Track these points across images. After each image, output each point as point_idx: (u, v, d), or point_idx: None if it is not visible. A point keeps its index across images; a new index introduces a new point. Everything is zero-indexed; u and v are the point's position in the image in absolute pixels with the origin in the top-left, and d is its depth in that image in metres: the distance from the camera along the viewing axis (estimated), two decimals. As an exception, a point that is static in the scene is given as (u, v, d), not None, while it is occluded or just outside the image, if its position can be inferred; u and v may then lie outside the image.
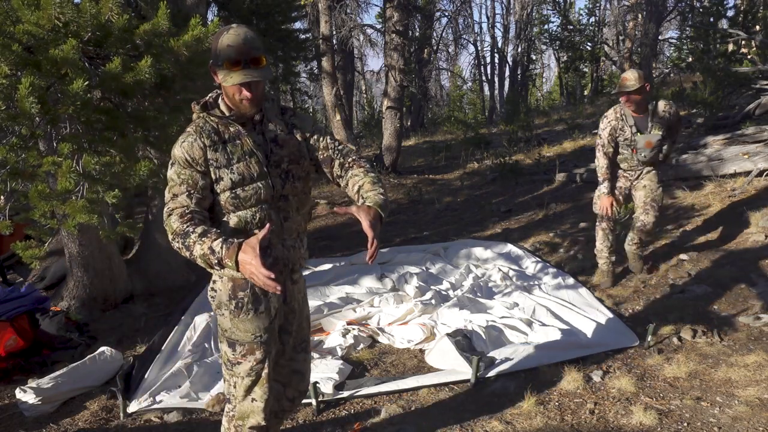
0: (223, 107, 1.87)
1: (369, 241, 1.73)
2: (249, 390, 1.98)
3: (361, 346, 3.63)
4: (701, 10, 12.19)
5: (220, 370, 3.24)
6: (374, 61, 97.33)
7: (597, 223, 4.45)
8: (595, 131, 11.78)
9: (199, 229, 1.69)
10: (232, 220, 1.86)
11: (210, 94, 1.92)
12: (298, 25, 10.72)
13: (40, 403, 3.00)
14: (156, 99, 3.50)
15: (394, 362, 3.42)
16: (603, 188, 4.28)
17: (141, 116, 3.36)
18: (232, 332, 1.93)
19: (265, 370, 1.97)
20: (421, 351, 3.53)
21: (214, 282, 1.95)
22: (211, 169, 1.81)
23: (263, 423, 2.01)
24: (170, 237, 1.74)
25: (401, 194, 8.99)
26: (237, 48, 1.74)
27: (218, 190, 1.83)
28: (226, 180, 1.82)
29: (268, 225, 1.63)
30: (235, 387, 1.98)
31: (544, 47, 24.77)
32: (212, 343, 3.70)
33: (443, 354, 3.30)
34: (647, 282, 4.40)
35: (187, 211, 1.75)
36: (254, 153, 1.86)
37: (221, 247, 1.62)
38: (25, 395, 3.00)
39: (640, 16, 15.63)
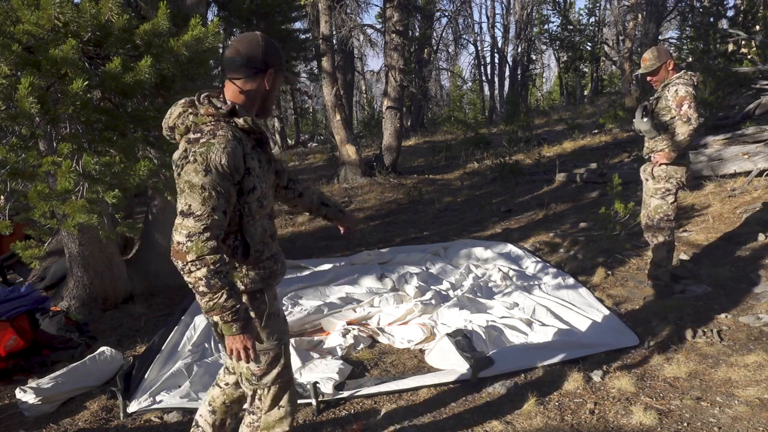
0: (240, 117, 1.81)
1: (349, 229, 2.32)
2: (277, 398, 1.98)
3: (361, 346, 3.63)
4: (701, 10, 12.19)
5: (221, 370, 3.25)
6: (374, 61, 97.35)
7: None
8: (596, 131, 11.82)
9: (230, 278, 1.69)
10: (258, 229, 1.86)
11: (221, 104, 1.78)
12: (298, 25, 10.72)
13: (40, 403, 3.00)
14: (156, 99, 3.50)
15: (394, 362, 3.42)
16: None
17: (141, 116, 3.36)
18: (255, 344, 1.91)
19: (290, 374, 2.01)
20: (421, 351, 3.53)
21: None
22: (249, 178, 1.76)
23: (288, 429, 2.01)
24: (192, 257, 1.62)
25: (401, 194, 8.99)
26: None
27: (249, 200, 1.79)
28: (258, 189, 1.80)
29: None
30: (260, 399, 1.97)
31: (544, 47, 24.78)
32: (212, 343, 3.70)
33: (443, 354, 3.30)
34: (647, 282, 4.39)
35: (219, 238, 1.67)
36: (271, 161, 1.90)
37: (240, 314, 1.70)
38: (25, 395, 3.00)
39: (640, 16, 15.62)
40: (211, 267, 1.62)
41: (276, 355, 1.94)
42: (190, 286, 1.66)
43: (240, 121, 1.77)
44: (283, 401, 1.99)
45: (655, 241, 4.01)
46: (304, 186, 2.25)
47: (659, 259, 4.04)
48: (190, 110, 1.79)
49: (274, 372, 1.95)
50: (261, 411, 1.98)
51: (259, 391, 1.96)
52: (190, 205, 1.65)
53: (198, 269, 1.62)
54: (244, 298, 1.88)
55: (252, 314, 1.88)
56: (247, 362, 1.77)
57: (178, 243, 1.64)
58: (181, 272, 1.66)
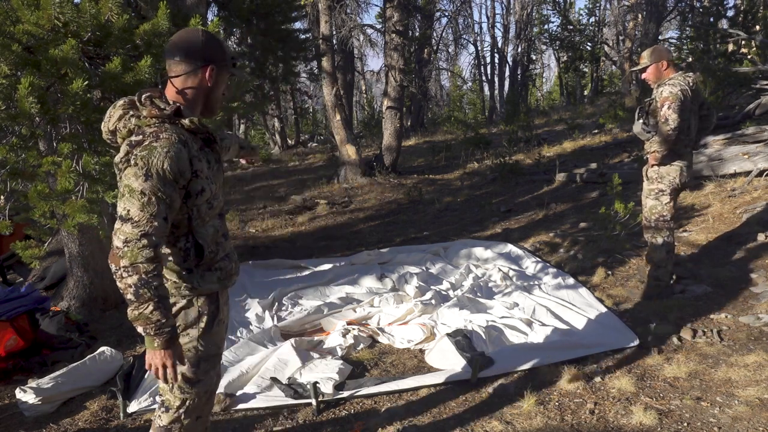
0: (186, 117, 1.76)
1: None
2: (201, 408, 1.92)
3: (361, 346, 3.63)
4: (701, 10, 12.20)
5: (221, 370, 3.25)
6: (374, 61, 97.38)
7: None
8: (596, 131, 11.83)
9: (161, 289, 1.61)
10: (210, 230, 1.81)
11: (165, 105, 1.71)
12: (298, 25, 10.72)
13: (40, 403, 3.00)
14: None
15: (394, 362, 3.42)
16: None
17: (141, 116, 3.36)
18: (198, 350, 1.84)
19: (217, 386, 1.97)
20: (421, 351, 3.53)
21: (174, 305, 1.81)
22: (197, 181, 1.70)
23: None
24: (125, 262, 1.56)
25: (401, 194, 8.99)
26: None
27: (198, 203, 1.74)
28: (208, 191, 1.75)
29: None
30: (186, 410, 1.87)
31: (544, 47, 24.79)
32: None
33: (443, 354, 3.30)
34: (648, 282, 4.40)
35: (157, 246, 1.60)
36: (220, 160, 1.86)
37: (164, 330, 1.62)
38: (25, 395, 3.00)
39: (640, 16, 15.63)
40: (143, 276, 1.56)
41: (213, 363, 1.89)
42: (121, 291, 1.61)
43: (186, 121, 1.70)
44: (204, 411, 1.95)
45: (654, 241, 4.01)
46: (229, 140, 2.26)
47: (659, 260, 4.04)
48: (131, 112, 1.71)
49: (209, 381, 1.89)
50: (181, 424, 1.88)
51: (188, 401, 1.86)
52: (128, 210, 1.58)
53: (129, 276, 1.56)
54: (201, 301, 1.82)
55: (202, 321, 1.83)
56: (165, 382, 1.70)
57: (116, 248, 1.59)
58: (114, 276, 1.60)
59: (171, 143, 1.62)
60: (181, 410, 1.86)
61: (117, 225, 1.61)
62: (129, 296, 1.58)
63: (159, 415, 1.90)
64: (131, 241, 1.56)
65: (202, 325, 1.83)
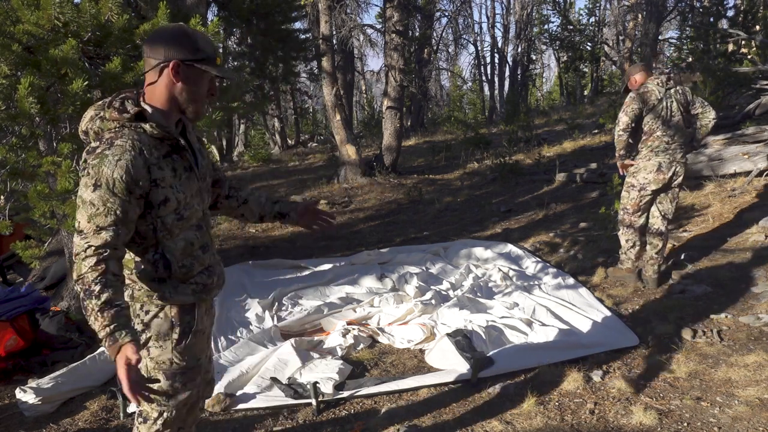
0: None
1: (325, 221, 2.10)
2: (183, 420, 1.87)
3: (361, 346, 3.63)
4: (701, 10, 12.21)
5: (221, 370, 3.25)
6: (374, 61, 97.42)
7: None
8: (596, 131, 11.84)
9: (104, 295, 1.46)
10: (180, 243, 1.69)
11: (131, 107, 1.60)
12: (298, 25, 10.71)
13: (40, 403, 3.00)
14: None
15: (394, 362, 3.42)
16: None
17: (141, 116, 3.36)
18: (174, 362, 1.74)
19: (197, 396, 1.91)
20: (421, 351, 3.53)
21: (147, 313, 1.72)
22: (158, 190, 1.59)
23: None
24: (74, 275, 1.50)
25: (401, 194, 8.99)
26: (212, 43, 1.67)
27: (162, 213, 1.62)
28: (173, 201, 1.63)
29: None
30: (164, 422, 1.81)
31: (544, 47, 24.80)
32: (212, 343, 3.69)
33: (443, 354, 3.30)
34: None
35: (103, 256, 1.48)
36: (192, 167, 1.71)
37: (114, 336, 1.46)
38: (25, 395, 3.00)
39: (640, 16, 15.65)
40: (87, 287, 1.47)
41: (192, 375, 1.81)
42: None
43: (147, 126, 1.58)
44: (187, 422, 1.91)
45: (617, 230, 4.40)
46: (248, 191, 2.05)
47: (622, 247, 4.38)
48: (101, 113, 1.60)
49: (186, 393, 1.81)
50: None
51: (166, 413, 1.79)
52: (79, 222, 1.51)
53: (80, 288, 1.49)
54: (174, 312, 1.72)
55: (175, 332, 1.73)
56: (134, 398, 1.45)
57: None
58: None
59: (123, 150, 1.52)
60: (159, 422, 1.80)
61: (74, 237, 1.55)
62: (83, 307, 1.50)
63: (137, 426, 1.84)
64: (79, 254, 1.49)
65: (175, 336, 1.74)
